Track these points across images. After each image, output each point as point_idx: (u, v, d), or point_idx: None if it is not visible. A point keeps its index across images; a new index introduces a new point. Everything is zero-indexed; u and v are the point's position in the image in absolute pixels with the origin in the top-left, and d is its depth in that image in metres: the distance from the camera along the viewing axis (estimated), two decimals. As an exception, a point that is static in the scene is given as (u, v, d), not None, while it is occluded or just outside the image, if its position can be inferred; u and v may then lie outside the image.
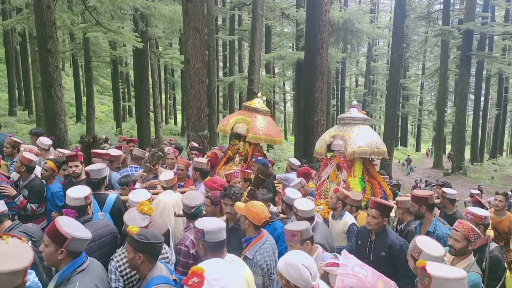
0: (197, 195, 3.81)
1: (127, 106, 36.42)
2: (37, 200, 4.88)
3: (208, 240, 2.70)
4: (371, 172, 5.72)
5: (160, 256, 2.98)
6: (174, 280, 2.76)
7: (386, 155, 5.62)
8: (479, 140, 34.25)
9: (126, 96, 36.97)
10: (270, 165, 7.17)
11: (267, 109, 7.11)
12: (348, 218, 4.51)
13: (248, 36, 23.62)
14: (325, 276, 2.92)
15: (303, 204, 3.95)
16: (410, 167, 29.12)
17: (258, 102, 7.04)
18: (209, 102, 16.83)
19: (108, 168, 5.38)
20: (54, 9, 9.66)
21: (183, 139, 24.55)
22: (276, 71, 37.88)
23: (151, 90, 23.53)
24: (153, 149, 5.53)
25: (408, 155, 31.44)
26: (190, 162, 6.38)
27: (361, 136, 5.43)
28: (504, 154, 41.45)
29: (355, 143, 5.33)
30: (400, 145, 46.94)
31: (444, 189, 5.64)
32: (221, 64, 35.67)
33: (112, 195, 4.36)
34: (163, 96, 37.96)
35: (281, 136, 7.11)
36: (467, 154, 31.89)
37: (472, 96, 34.90)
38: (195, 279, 1.80)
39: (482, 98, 35.60)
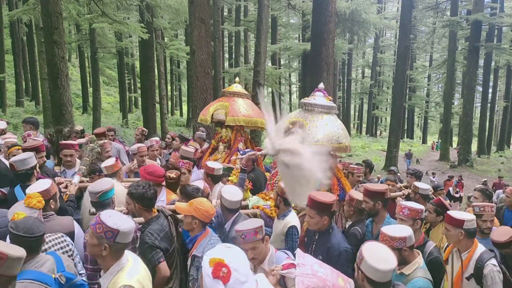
0: (104, 181, 3.45)
1: (133, 97, 36.52)
2: (4, 184, 4.42)
3: (119, 241, 2.35)
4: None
5: (61, 250, 2.85)
6: (56, 278, 2.42)
7: (349, 150, 5.04)
8: (487, 132, 33.99)
9: (132, 87, 37.08)
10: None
11: (247, 93, 6.93)
12: (290, 219, 3.92)
13: (254, 27, 23.48)
14: (282, 280, 2.61)
15: (230, 193, 3.63)
16: (410, 161, 28.08)
17: (236, 87, 6.78)
18: (214, 94, 16.81)
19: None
20: (60, -1, 9.68)
21: (189, 130, 24.60)
22: (282, 62, 37.70)
23: (157, 81, 23.58)
24: (91, 144, 5.34)
25: (409, 149, 30.60)
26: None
27: (322, 128, 4.77)
28: (511, 146, 41.13)
29: (313, 137, 4.68)
30: (407, 137, 46.75)
31: (417, 183, 5.13)
32: (226, 55, 35.59)
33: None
34: (169, 87, 37.98)
35: (263, 117, 6.86)
36: (474, 147, 31.68)
37: (480, 88, 34.60)
38: (224, 270, 1.78)
39: (490, 90, 35.24)
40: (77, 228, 3.37)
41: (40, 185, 3.25)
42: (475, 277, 3.22)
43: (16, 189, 3.88)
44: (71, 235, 3.19)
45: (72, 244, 3.03)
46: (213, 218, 3.63)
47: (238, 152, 6.15)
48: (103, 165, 4.43)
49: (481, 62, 32.62)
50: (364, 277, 2.36)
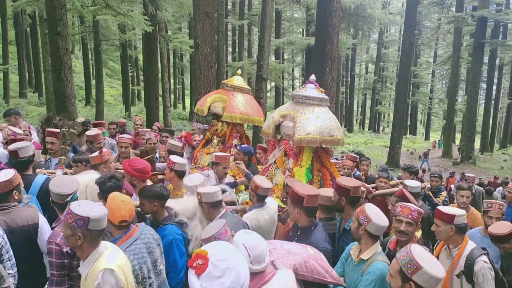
0: (68, 180, 3.22)
1: (136, 90, 36.51)
2: None
3: (91, 229, 2.34)
4: (323, 160, 4.95)
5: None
6: None
7: (342, 143, 4.82)
8: (490, 129, 33.85)
9: (135, 80, 37.06)
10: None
11: (247, 87, 6.64)
12: (247, 214, 3.87)
13: (258, 21, 23.40)
14: None
15: (207, 187, 3.52)
16: (427, 161, 26.75)
17: (237, 80, 6.52)
18: (217, 87, 16.80)
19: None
20: (64, -9, 9.65)
21: (191, 123, 24.60)
22: (286, 56, 37.63)
23: (160, 75, 23.53)
24: (63, 129, 5.08)
25: (429, 149, 29.66)
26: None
27: (313, 121, 4.58)
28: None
29: (304, 129, 4.53)
30: (409, 134, 46.61)
31: (407, 181, 4.97)
32: (230, 49, 35.49)
33: (40, 176, 3.94)
34: (172, 81, 37.97)
35: (262, 115, 6.55)
36: (477, 144, 31.60)
37: (484, 85, 34.44)
38: (199, 261, 1.80)
39: (494, 87, 35.05)
40: (41, 220, 3.21)
41: (3, 175, 3.12)
42: (465, 274, 3.15)
43: None
44: (35, 227, 3.09)
45: (3, 239, 2.83)
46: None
47: (235, 147, 6.03)
48: (91, 155, 4.35)
49: (486, 59, 32.43)
50: None
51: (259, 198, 3.89)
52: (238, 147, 5.81)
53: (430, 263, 2.23)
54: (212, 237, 2.68)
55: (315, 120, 4.60)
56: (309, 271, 2.60)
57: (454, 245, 3.27)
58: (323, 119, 4.67)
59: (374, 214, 2.86)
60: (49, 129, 5.25)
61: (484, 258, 3.11)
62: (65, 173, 4.46)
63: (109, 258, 2.39)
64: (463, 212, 3.29)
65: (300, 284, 2.56)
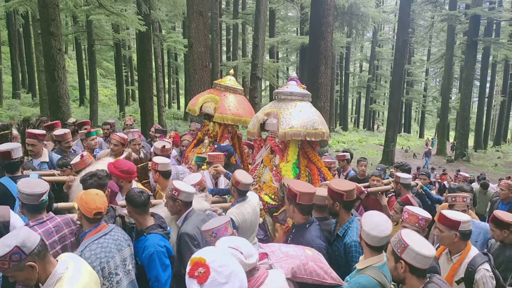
0: (36, 180, 3.03)
1: (130, 90, 36.37)
2: None
3: (31, 252, 2.09)
4: (310, 156, 4.96)
5: None
6: None
7: (326, 136, 4.79)
8: (484, 127, 34.06)
9: (129, 79, 36.91)
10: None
11: (240, 87, 6.63)
12: (230, 210, 3.87)
13: (252, 20, 23.40)
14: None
15: (185, 185, 3.44)
16: (429, 160, 26.38)
17: (229, 80, 6.53)
18: (212, 87, 16.77)
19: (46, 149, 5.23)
20: (56, -9, 9.59)
21: (186, 123, 24.58)
22: (280, 55, 37.65)
23: (154, 74, 23.45)
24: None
25: (430, 148, 29.23)
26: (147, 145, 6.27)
27: (296, 115, 4.65)
28: (508, 141, 41.21)
29: (288, 123, 4.57)
30: (404, 132, 46.79)
31: (398, 173, 5.12)
32: (224, 48, 35.43)
33: (32, 176, 3.83)
34: (166, 80, 37.85)
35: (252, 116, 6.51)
36: (471, 141, 31.78)
37: (477, 83, 34.64)
38: (200, 270, 1.73)
39: (488, 85, 35.28)
40: (14, 218, 3.03)
41: None
42: (465, 281, 3.05)
43: (5, 181, 3.75)
44: (5, 224, 2.92)
45: None
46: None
47: (214, 146, 5.99)
48: (72, 161, 4.26)
49: (479, 56, 32.62)
50: (407, 266, 2.32)
51: (240, 193, 3.93)
52: (216, 146, 5.79)
53: (418, 242, 2.34)
54: (210, 230, 2.64)
55: (298, 114, 4.67)
56: (308, 273, 2.62)
57: (456, 251, 3.17)
58: (306, 113, 4.72)
59: (368, 222, 2.69)
60: (29, 131, 5.10)
61: (486, 266, 3.02)
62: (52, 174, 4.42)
63: (71, 281, 2.16)
64: (468, 218, 3.15)
65: (294, 285, 2.57)
